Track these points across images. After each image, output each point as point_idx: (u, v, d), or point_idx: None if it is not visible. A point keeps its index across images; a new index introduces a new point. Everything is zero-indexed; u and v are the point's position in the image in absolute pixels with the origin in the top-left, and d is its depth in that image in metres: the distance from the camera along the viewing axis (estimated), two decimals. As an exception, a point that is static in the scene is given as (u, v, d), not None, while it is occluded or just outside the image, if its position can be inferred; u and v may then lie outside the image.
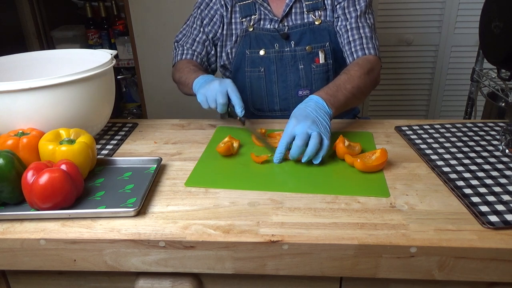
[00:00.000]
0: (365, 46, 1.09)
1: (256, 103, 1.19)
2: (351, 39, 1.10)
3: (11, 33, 2.18)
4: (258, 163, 0.86)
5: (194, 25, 1.20)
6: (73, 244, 0.65)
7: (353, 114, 1.27)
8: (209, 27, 1.18)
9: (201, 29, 1.19)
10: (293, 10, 1.13)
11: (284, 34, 1.12)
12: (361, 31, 1.10)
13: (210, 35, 1.19)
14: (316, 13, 1.12)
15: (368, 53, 1.09)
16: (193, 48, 1.20)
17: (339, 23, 1.12)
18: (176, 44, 1.24)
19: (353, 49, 1.10)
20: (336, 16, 1.12)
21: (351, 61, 1.10)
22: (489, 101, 1.52)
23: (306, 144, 0.82)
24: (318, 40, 1.13)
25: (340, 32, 1.12)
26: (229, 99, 0.96)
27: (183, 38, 1.22)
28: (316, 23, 1.12)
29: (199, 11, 1.20)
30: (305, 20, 1.13)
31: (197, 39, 1.20)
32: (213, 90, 0.95)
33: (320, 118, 0.86)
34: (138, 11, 2.02)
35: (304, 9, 1.13)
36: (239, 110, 0.94)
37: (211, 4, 1.18)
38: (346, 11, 1.11)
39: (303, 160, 0.83)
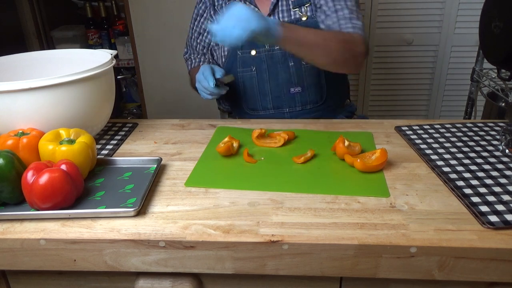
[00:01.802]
0: (343, 27, 1.04)
1: (249, 103, 1.20)
2: (330, 22, 1.06)
3: (11, 33, 2.18)
4: (250, 163, 0.86)
5: (193, 37, 1.28)
6: (73, 244, 0.65)
7: (349, 112, 1.27)
8: (204, 38, 1.25)
9: (198, 40, 1.27)
10: (280, 8, 1.13)
11: None
12: (340, 13, 1.06)
13: (206, 46, 1.26)
14: (302, 9, 1.12)
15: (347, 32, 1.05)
16: (199, 56, 1.29)
17: (319, 12, 1.09)
18: (185, 56, 1.33)
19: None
20: (318, 6, 1.10)
21: None
22: (489, 101, 1.52)
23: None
24: None
25: (320, 20, 1.09)
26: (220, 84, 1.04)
27: (189, 48, 1.31)
28: (303, 19, 1.12)
29: (196, 22, 1.26)
30: (292, 17, 1.13)
31: (198, 49, 1.28)
32: (198, 82, 1.06)
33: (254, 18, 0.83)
34: (138, 11, 2.02)
35: (290, 6, 1.13)
36: (209, 81, 1.01)
37: (204, 15, 1.23)
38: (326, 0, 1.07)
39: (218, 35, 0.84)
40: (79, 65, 0.97)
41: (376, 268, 0.64)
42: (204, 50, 1.27)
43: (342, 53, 0.98)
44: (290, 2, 1.13)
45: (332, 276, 0.66)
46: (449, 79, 2.15)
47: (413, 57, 2.13)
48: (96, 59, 0.98)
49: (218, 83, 1.03)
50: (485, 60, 1.51)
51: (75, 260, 0.66)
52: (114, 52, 1.00)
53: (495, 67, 1.37)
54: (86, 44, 2.33)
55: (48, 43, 2.35)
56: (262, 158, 0.88)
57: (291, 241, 0.63)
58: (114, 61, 0.97)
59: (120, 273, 0.71)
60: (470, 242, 0.62)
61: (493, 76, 1.52)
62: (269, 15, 1.13)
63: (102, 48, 2.26)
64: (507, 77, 1.30)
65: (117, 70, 2.42)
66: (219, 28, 0.83)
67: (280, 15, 1.13)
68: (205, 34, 1.24)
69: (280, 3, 1.13)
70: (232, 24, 0.82)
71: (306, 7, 1.12)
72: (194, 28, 1.26)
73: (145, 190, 0.74)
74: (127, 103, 2.58)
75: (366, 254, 0.63)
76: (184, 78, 2.11)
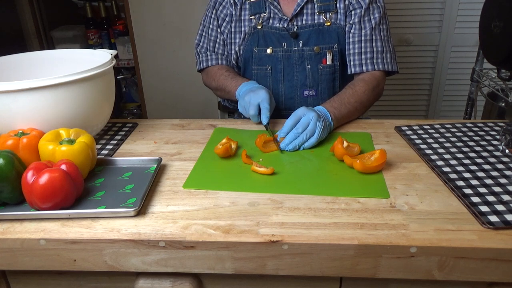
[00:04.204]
0: (374, 61, 1.12)
1: None
2: (362, 50, 1.12)
3: (11, 33, 2.18)
4: (248, 164, 0.86)
5: (211, 26, 1.22)
6: (73, 244, 0.65)
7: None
8: (223, 28, 1.21)
9: (218, 30, 1.22)
10: (305, 11, 1.14)
11: (293, 33, 1.13)
12: (373, 44, 1.12)
13: (225, 35, 1.22)
14: (327, 15, 1.13)
15: (377, 68, 1.12)
16: (216, 51, 1.24)
17: (353, 31, 1.13)
18: (198, 49, 1.27)
19: (363, 61, 1.12)
20: (351, 22, 1.13)
21: (358, 71, 1.13)
22: (489, 101, 1.52)
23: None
24: (326, 41, 1.14)
25: (352, 39, 1.13)
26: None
27: (203, 40, 1.25)
28: (326, 24, 1.13)
29: (214, 11, 1.21)
30: (315, 21, 1.14)
31: (217, 40, 1.23)
32: (247, 103, 1.02)
33: (324, 121, 0.93)
34: (138, 11, 2.02)
35: (316, 10, 1.13)
36: (264, 119, 0.99)
37: (223, 4, 1.20)
38: (362, 19, 1.12)
39: (287, 147, 0.91)
40: (79, 65, 0.97)
41: (376, 268, 0.64)
42: (225, 42, 1.22)
43: (373, 101, 1.12)
44: (316, 6, 1.13)
45: (332, 276, 0.66)
46: (449, 79, 2.15)
47: (413, 57, 2.13)
48: (96, 59, 0.98)
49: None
50: (485, 60, 1.51)
51: (75, 260, 0.66)
52: (114, 52, 1.00)
53: (495, 67, 1.37)
54: (86, 44, 2.33)
55: (48, 43, 2.35)
56: (261, 160, 0.88)
57: (291, 241, 0.63)
58: (114, 61, 0.97)
59: (120, 273, 0.71)
60: (470, 242, 0.62)
61: (493, 76, 1.52)
62: (293, 17, 1.14)
63: (102, 48, 2.26)
64: (507, 77, 1.30)
65: (117, 70, 2.42)
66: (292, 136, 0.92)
67: (304, 18, 1.14)
68: (224, 24, 1.20)
69: (305, 7, 1.14)
70: (303, 138, 0.92)
71: (331, 14, 1.13)
72: (213, 17, 1.21)
73: (145, 190, 0.74)
74: (127, 103, 2.58)
75: (366, 254, 0.63)
76: (184, 78, 2.11)
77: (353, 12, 1.13)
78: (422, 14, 2.04)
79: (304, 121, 0.92)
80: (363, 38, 1.12)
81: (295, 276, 0.69)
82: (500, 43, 1.23)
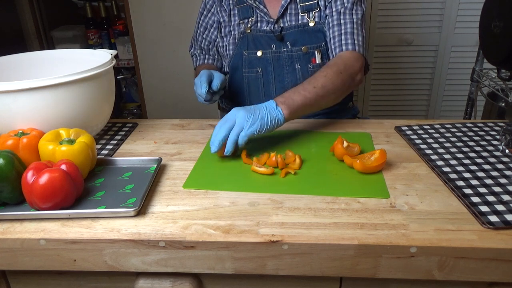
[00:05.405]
0: (343, 42, 1.07)
1: (253, 104, 1.19)
2: (331, 36, 1.10)
3: (11, 33, 2.18)
4: (248, 164, 0.86)
5: (199, 31, 1.27)
6: (73, 244, 0.65)
7: (352, 114, 1.27)
8: (210, 33, 1.24)
9: (204, 36, 1.26)
10: (288, 11, 1.14)
11: (278, 36, 1.13)
12: (342, 27, 1.08)
13: (212, 42, 1.25)
14: (310, 14, 1.13)
15: (345, 49, 1.06)
16: (203, 53, 1.29)
17: (326, 21, 1.12)
18: (190, 52, 1.33)
19: (332, 46, 1.09)
20: (325, 15, 1.12)
21: (331, 58, 1.09)
22: (489, 101, 1.52)
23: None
24: (313, 41, 1.13)
25: (326, 29, 1.12)
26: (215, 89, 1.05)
27: (194, 45, 1.31)
28: (311, 24, 1.12)
29: (202, 17, 1.25)
30: (300, 22, 1.13)
31: (202, 45, 1.28)
32: (195, 86, 1.06)
33: (260, 113, 0.87)
34: (138, 11, 2.02)
35: (299, 10, 1.13)
36: (203, 89, 1.01)
37: (212, 10, 1.21)
38: (333, 9, 1.10)
39: (226, 152, 0.84)
40: (79, 65, 0.97)
41: (376, 268, 0.64)
42: (210, 46, 1.26)
43: (342, 85, 0.99)
44: (299, 7, 1.13)
45: (332, 276, 0.66)
46: (449, 79, 2.15)
47: (413, 57, 2.13)
48: (96, 59, 0.98)
49: (210, 90, 1.04)
50: (485, 60, 1.51)
51: (75, 260, 0.66)
52: (114, 52, 1.00)
53: (495, 67, 1.38)
54: (86, 44, 2.33)
55: (48, 43, 2.35)
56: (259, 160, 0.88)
57: (291, 241, 0.63)
58: (114, 61, 0.97)
59: (120, 273, 0.71)
60: (470, 242, 0.62)
61: (493, 76, 1.52)
62: (278, 18, 1.14)
63: (102, 48, 2.26)
64: (507, 77, 1.30)
65: (117, 70, 2.43)
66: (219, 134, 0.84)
67: (288, 19, 1.14)
68: (211, 30, 1.23)
69: (289, 7, 1.13)
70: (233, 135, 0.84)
71: (314, 12, 1.13)
72: (200, 23, 1.25)
73: (145, 190, 0.74)
74: (127, 103, 2.58)
75: (366, 254, 0.63)
76: (184, 78, 2.11)
77: (328, 5, 1.12)
78: (422, 14, 2.04)
79: (226, 118, 0.86)
80: (331, 24, 1.10)
81: (295, 276, 0.69)
82: (500, 43, 1.23)
